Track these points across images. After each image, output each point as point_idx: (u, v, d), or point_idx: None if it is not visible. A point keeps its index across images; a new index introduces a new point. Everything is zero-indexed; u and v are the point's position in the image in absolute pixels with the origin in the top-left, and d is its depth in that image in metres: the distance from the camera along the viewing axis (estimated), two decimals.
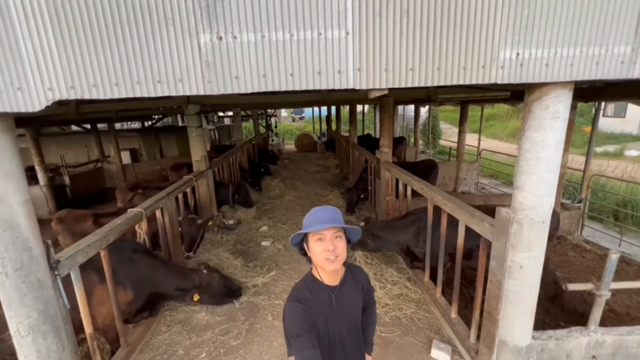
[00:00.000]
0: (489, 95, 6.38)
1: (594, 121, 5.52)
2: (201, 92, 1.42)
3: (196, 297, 3.16)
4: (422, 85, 1.48)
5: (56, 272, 1.85)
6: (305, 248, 1.37)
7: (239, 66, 1.41)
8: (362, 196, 6.17)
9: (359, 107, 15.49)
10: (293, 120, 33.19)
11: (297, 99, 6.52)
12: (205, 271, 3.24)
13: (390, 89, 1.55)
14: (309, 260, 1.39)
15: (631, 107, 16.64)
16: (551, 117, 1.66)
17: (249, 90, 1.43)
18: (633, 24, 1.45)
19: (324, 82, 1.45)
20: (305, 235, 1.35)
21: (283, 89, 1.44)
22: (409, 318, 3.16)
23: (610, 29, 1.46)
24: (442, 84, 1.49)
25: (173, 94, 1.40)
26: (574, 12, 1.44)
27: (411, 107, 14.47)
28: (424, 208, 3.63)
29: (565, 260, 4.93)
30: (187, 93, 1.41)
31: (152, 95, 1.40)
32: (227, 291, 3.41)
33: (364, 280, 1.52)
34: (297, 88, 1.44)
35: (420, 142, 14.06)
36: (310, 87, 1.45)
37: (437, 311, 3.15)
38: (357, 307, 1.46)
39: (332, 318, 1.35)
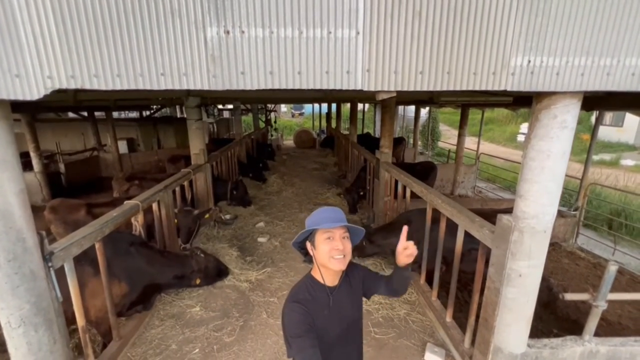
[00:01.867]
0: (491, 100, 6.38)
1: (594, 130, 5.53)
2: (206, 87, 1.38)
3: (198, 281, 3.38)
4: (431, 89, 1.46)
5: (50, 264, 1.82)
6: (309, 247, 1.36)
7: (245, 62, 1.38)
8: (361, 193, 6.19)
9: (360, 106, 15.44)
10: (293, 116, 33.07)
11: (300, 96, 6.47)
12: (202, 255, 3.45)
13: (397, 92, 1.52)
14: (310, 260, 1.38)
15: (629, 117, 16.75)
16: (559, 126, 1.64)
17: (255, 87, 1.40)
18: None
19: (332, 82, 1.42)
20: (311, 234, 1.34)
21: (290, 87, 1.41)
22: (402, 320, 3.17)
23: (623, 40, 1.44)
24: (451, 89, 1.46)
25: (177, 87, 1.37)
26: (587, 21, 1.42)
27: (411, 107, 14.48)
28: (416, 210, 3.65)
29: (559, 267, 4.96)
30: (192, 87, 1.37)
31: (155, 88, 1.36)
32: (218, 271, 3.67)
33: (360, 274, 1.49)
34: (305, 87, 1.41)
35: (420, 143, 14.08)
36: (318, 87, 1.42)
37: (432, 314, 3.15)
38: (357, 305, 1.46)
39: (332, 318, 1.35)
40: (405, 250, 1.32)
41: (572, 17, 1.41)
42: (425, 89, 1.45)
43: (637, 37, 1.44)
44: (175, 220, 4.09)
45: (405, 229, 1.35)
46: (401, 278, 1.42)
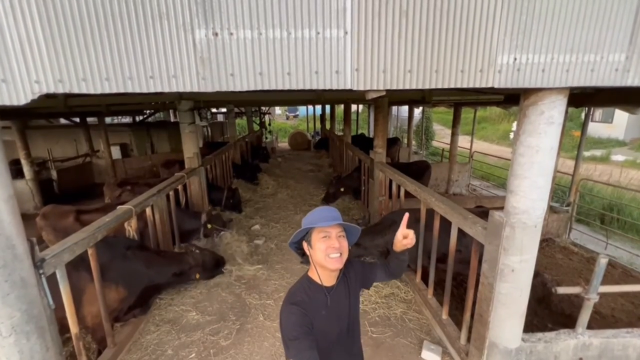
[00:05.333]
0: (482, 98, 6.45)
1: (584, 126, 5.62)
2: (195, 89, 1.38)
3: (198, 276, 3.52)
4: (419, 87, 1.48)
5: (41, 271, 1.80)
6: (305, 247, 1.36)
7: (234, 63, 1.38)
8: (341, 189, 6.27)
9: (353, 107, 15.51)
10: (287, 118, 33.08)
11: (292, 98, 6.49)
12: (197, 251, 3.58)
13: (387, 90, 1.54)
14: (307, 261, 1.38)
15: (618, 113, 17.01)
16: (546, 122, 1.67)
17: (245, 89, 1.40)
18: (628, 33, 1.47)
19: (322, 81, 1.43)
20: (307, 234, 1.34)
21: (279, 87, 1.42)
22: (399, 318, 3.17)
23: (606, 36, 1.47)
24: (439, 86, 1.48)
25: (166, 90, 1.36)
26: (571, 18, 1.45)
27: (405, 107, 14.55)
28: (400, 211, 3.68)
29: (553, 262, 5.01)
30: (181, 89, 1.37)
31: (145, 91, 1.36)
32: (215, 263, 3.81)
33: (356, 269, 1.48)
34: (294, 87, 1.42)
35: (414, 143, 14.16)
36: (307, 87, 1.43)
37: (428, 312, 3.17)
38: (355, 303, 1.45)
39: (330, 318, 1.35)
40: (405, 239, 1.36)
41: (555, 15, 1.44)
42: (414, 87, 1.47)
43: (620, 34, 1.47)
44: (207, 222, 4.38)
45: (406, 216, 1.38)
46: (398, 261, 1.46)
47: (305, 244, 1.37)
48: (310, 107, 20.17)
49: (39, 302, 1.74)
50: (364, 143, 9.36)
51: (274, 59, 1.39)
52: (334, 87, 1.45)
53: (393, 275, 1.51)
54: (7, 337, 1.62)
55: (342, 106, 12.60)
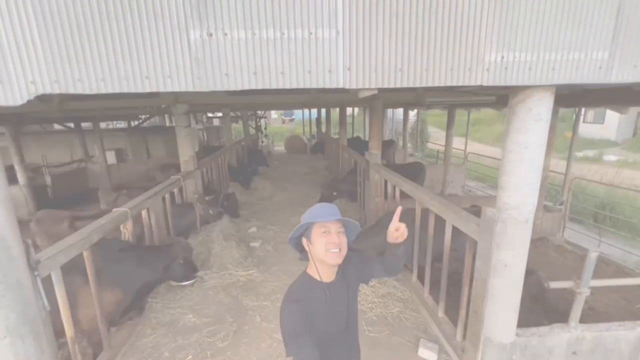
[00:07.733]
0: (475, 100, 6.53)
1: (575, 127, 5.71)
2: (190, 89, 1.41)
3: (182, 260, 3.45)
4: (410, 85, 1.51)
5: (36, 273, 1.79)
6: (305, 243, 1.37)
7: (229, 63, 1.41)
8: (334, 194, 6.29)
9: (349, 110, 15.58)
10: (283, 122, 33.16)
11: (288, 100, 6.51)
12: (184, 239, 3.69)
13: (379, 89, 1.57)
14: (305, 257, 1.39)
15: (609, 114, 17.29)
16: (534, 119, 1.71)
17: (239, 88, 1.43)
18: (610, 31, 1.52)
19: (315, 81, 1.46)
20: (307, 230, 1.35)
21: (273, 87, 1.44)
22: (396, 317, 3.19)
23: (589, 35, 1.52)
24: (429, 85, 1.52)
25: (161, 90, 1.39)
26: (556, 17, 1.50)
27: (400, 110, 14.67)
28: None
29: (547, 260, 5.06)
30: (176, 89, 1.40)
31: (140, 91, 1.38)
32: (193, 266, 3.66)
33: (354, 264, 1.48)
34: (288, 86, 1.45)
35: (409, 145, 14.25)
36: (301, 86, 1.46)
37: (425, 311, 3.19)
38: (353, 298, 1.46)
39: (330, 314, 1.36)
40: (397, 231, 1.35)
41: (541, 14, 1.49)
42: (404, 85, 1.51)
43: (602, 32, 1.53)
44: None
45: (399, 209, 1.38)
46: (394, 256, 1.43)
47: (304, 240, 1.37)
48: (306, 111, 20.24)
49: (34, 304, 1.74)
50: (359, 146, 9.40)
51: (267, 59, 1.42)
52: (327, 86, 1.48)
53: (390, 272, 1.50)
54: (2, 339, 1.61)
55: (337, 109, 12.66)
